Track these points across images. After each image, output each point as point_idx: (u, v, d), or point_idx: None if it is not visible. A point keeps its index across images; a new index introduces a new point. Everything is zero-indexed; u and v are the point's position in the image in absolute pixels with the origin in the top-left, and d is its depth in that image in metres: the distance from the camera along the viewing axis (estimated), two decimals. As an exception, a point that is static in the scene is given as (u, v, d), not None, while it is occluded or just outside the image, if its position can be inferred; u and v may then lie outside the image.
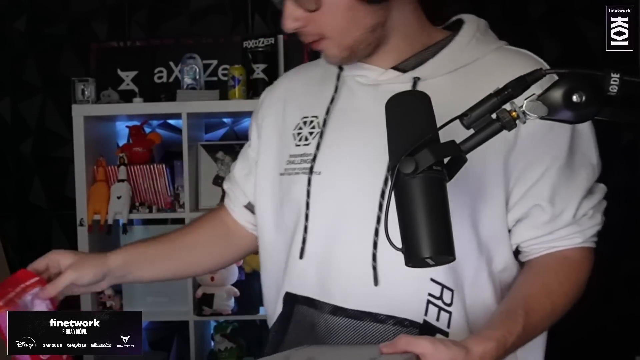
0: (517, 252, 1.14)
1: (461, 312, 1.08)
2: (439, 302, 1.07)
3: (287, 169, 1.17)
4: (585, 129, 1.11)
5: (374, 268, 1.06)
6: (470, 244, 1.07)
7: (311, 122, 1.16)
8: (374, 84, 1.12)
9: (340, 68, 1.16)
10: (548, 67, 1.02)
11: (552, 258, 1.11)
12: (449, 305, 1.07)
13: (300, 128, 1.17)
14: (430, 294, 1.06)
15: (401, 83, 1.08)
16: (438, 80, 1.08)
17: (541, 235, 1.10)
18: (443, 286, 1.07)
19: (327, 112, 1.15)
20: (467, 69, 1.10)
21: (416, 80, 1.08)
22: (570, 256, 1.11)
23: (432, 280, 1.06)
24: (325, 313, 1.11)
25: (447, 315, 1.07)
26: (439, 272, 1.05)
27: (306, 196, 1.12)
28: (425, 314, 1.06)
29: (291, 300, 1.16)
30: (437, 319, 1.07)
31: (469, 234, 1.07)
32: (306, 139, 1.15)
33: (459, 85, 1.07)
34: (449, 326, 1.07)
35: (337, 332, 1.10)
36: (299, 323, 1.16)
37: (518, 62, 1.09)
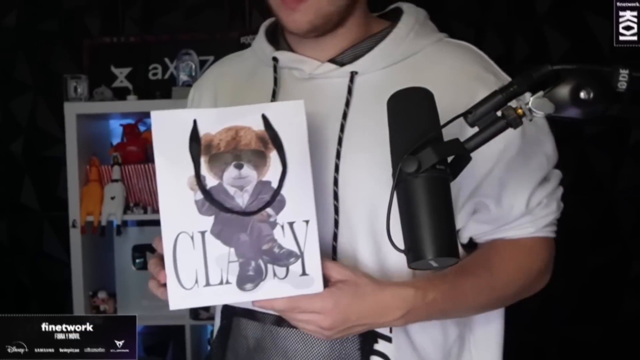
0: (471, 243, 1.15)
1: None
2: None
3: None
4: (539, 119, 1.07)
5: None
6: None
7: None
8: (309, 78, 1.10)
9: (275, 60, 1.13)
10: (489, 60, 1.11)
11: (502, 241, 1.12)
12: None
13: None
14: None
15: (338, 77, 1.08)
16: (375, 75, 1.08)
17: (491, 230, 1.12)
18: None
19: None
20: (405, 63, 1.09)
21: (353, 74, 1.08)
22: (521, 242, 1.12)
23: None
24: (269, 324, 1.06)
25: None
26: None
27: None
28: None
29: (228, 313, 1.12)
30: (390, 330, 1.05)
31: None
32: None
33: (396, 80, 1.03)
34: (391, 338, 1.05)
35: (287, 345, 1.05)
36: (238, 339, 1.11)
37: (457, 55, 1.09)
